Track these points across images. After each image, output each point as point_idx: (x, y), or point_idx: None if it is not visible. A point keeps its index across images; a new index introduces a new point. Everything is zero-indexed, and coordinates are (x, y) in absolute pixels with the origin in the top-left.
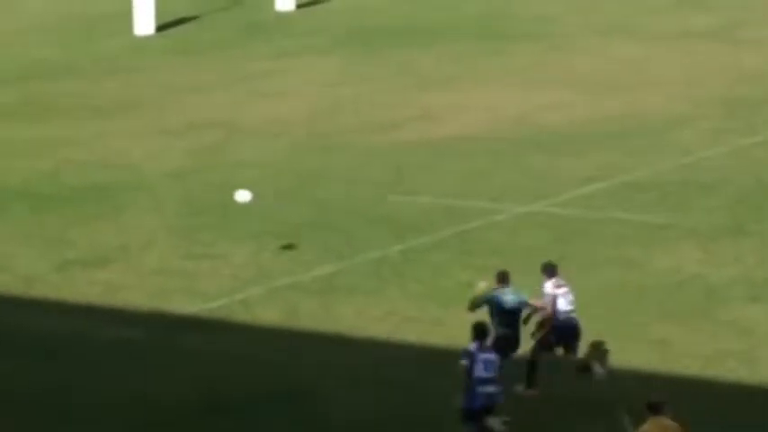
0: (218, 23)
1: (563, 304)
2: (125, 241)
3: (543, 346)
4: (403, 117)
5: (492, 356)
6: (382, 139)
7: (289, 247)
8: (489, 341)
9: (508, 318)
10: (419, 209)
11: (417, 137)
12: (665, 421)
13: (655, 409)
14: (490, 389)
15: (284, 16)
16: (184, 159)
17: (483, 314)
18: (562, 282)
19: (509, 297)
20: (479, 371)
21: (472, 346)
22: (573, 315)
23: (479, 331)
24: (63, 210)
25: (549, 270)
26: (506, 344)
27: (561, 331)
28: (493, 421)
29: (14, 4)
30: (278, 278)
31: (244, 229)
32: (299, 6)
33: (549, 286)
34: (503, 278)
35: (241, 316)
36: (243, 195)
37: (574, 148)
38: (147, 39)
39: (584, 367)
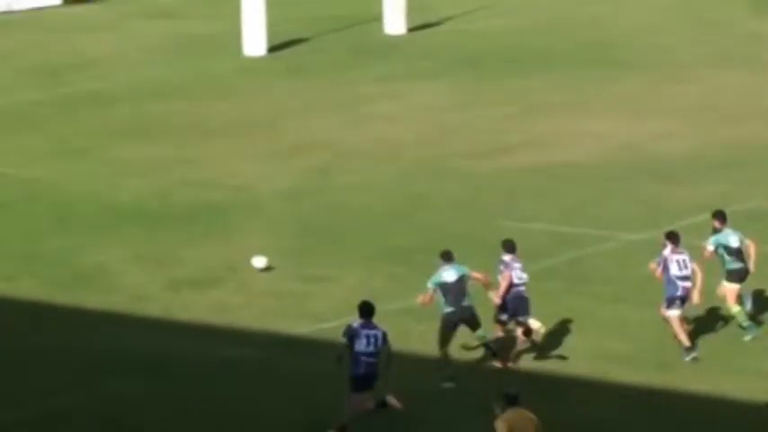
0: (328, 46)
1: (515, 278)
2: (236, 261)
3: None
4: (512, 143)
5: (376, 332)
6: (491, 165)
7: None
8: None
9: (454, 295)
10: (529, 235)
11: (527, 163)
12: (524, 411)
13: (512, 399)
14: (371, 360)
15: (394, 40)
16: (295, 181)
17: None
18: (517, 259)
19: (450, 272)
20: (361, 345)
21: (356, 323)
22: (523, 289)
23: (364, 310)
24: (174, 229)
25: (508, 245)
26: (463, 320)
27: (513, 304)
28: (389, 399)
29: (127, 24)
30: (389, 302)
31: (355, 253)
32: (409, 30)
33: (507, 258)
34: (446, 257)
35: None
36: (259, 261)
37: (686, 177)
38: (257, 60)
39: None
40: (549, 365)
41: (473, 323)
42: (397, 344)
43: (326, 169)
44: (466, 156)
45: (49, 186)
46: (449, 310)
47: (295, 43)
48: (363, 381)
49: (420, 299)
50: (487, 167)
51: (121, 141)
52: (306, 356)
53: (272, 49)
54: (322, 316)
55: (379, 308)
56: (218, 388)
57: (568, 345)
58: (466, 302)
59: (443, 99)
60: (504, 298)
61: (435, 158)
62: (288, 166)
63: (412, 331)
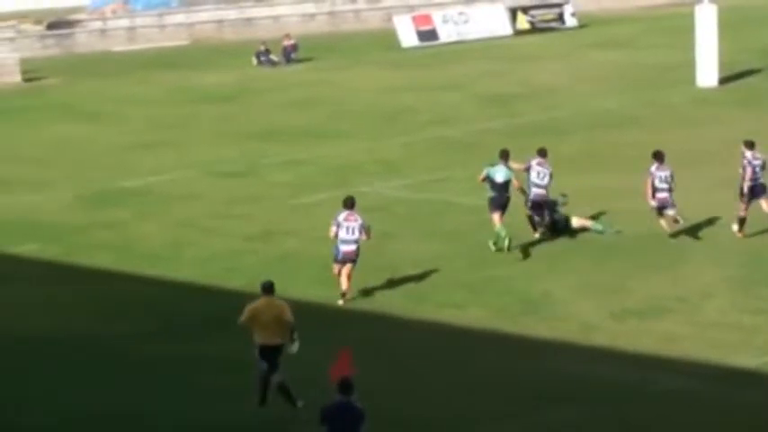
0: None
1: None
2: (683, 292)
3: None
4: None
5: (354, 225)
6: None
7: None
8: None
9: (498, 187)
10: None
11: None
12: (273, 299)
13: (266, 288)
14: (350, 247)
15: None
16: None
17: None
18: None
19: (500, 174)
20: (342, 233)
21: (340, 215)
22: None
23: (347, 203)
24: (622, 259)
25: (541, 152)
26: (496, 202)
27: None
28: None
29: (579, 54)
30: None
31: None
32: None
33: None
34: (503, 155)
35: None
36: None
37: None
38: (709, 91)
39: None
40: None
41: (505, 209)
42: None
43: None
44: None
45: None
46: (492, 194)
47: (748, 74)
48: (341, 259)
49: (478, 178)
50: None
51: (571, 171)
52: (751, 389)
53: (724, 79)
54: None
55: None
56: (661, 418)
57: None
58: (505, 195)
59: None
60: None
61: None
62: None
63: None
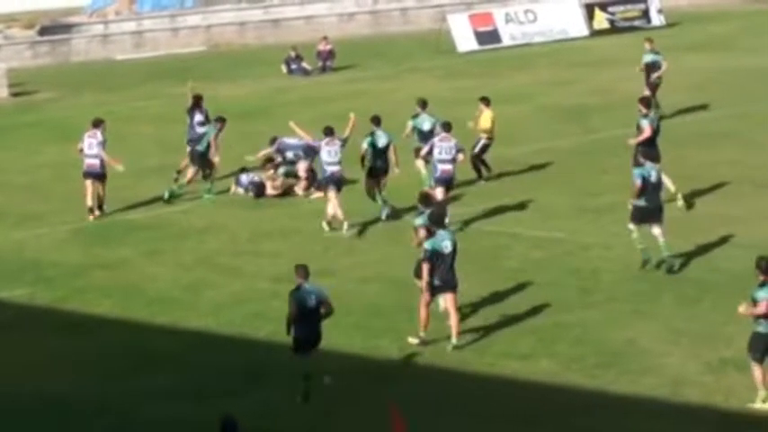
0: None
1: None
2: None
3: None
4: None
5: (93, 140)
6: None
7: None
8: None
9: (379, 153)
10: None
11: None
12: None
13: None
14: (94, 161)
15: None
16: None
17: None
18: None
19: (382, 139)
20: (86, 148)
21: (85, 134)
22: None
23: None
24: (718, 301)
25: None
26: (377, 172)
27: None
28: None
29: (668, 59)
30: None
31: None
32: None
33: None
34: (376, 121)
35: None
36: None
37: None
38: None
39: None
40: None
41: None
42: None
43: None
44: None
45: (570, 250)
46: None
47: None
48: (87, 172)
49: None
50: None
51: None
52: None
53: None
54: None
55: None
56: None
57: None
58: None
59: None
60: None
61: None
62: None
63: None
